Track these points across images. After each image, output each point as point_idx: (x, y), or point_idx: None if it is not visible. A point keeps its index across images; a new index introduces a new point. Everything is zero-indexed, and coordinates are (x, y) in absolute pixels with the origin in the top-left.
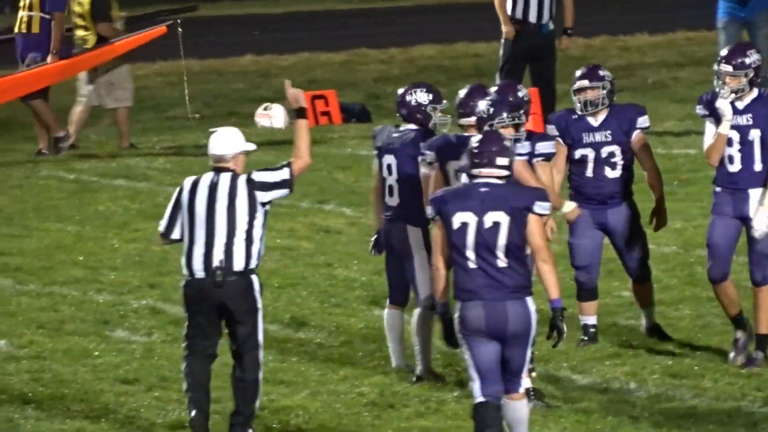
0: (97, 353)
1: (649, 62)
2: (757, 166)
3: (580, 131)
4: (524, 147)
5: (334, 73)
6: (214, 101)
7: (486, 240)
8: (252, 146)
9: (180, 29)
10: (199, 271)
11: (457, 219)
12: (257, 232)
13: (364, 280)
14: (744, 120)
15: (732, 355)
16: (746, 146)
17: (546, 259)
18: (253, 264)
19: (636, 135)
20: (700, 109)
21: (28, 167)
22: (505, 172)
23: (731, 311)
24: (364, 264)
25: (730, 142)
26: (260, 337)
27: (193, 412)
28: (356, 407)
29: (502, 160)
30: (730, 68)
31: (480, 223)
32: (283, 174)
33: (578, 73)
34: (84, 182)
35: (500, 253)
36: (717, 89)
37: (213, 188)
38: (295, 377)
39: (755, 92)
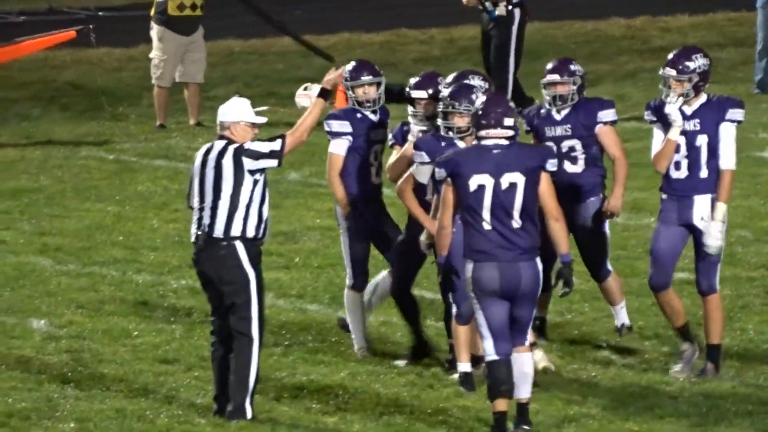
0: (136, 333)
1: (690, 43)
2: (703, 173)
3: (544, 125)
4: None
5: (373, 53)
6: (254, 81)
7: (502, 201)
8: (260, 119)
9: (93, 35)
10: (193, 237)
11: (474, 182)
12: (243, 199)
13: None
14: (691, 126)
15: (677, 367)
16: (693, 152)
17: (558, 218)
18: (235, 231)
19: (599, 128)
20: (647, 115)
21: (69, 148)
22: (511, 132)
23: (676, 322)
24: None
25: (677, 149)
26: (252, 310)
27: (214, 395)
28: (395, 387)
29: (508, 121)
30: (674, 72)
31: (497, 185)
32: (274, 146)
33: (549, 66)
34: (124, 162)
35: (516, 214)
36: (663, 95)
37: (206, 154)
38: (335, 357)
39: (703, 97)
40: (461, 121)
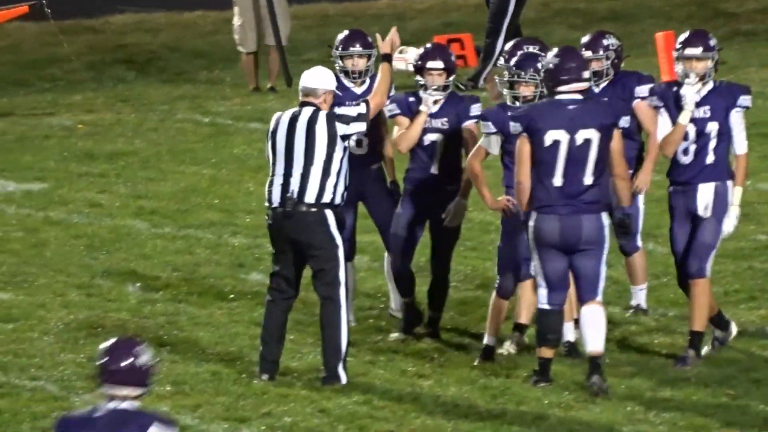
0: (232, 296)
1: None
2: (709, 159)
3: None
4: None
5: (469, 15)
6: None
7: (576, 157)
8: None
9: (48, 10)
10: (276, 202)
11: (549, 137)
12: (335, 166)
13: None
14: (701, 113)
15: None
16: (702, 139)
17: (625, 177)
18: (326, 198)
19: (636, 103)
20: (653, 100)
21: (164, 111)
22: (588, 85)
23: (710, 310)
24: None
25: (685, 136)
26: (340, 275)
27: (262, 363)
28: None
29: (586, 73)
30: (699, 51)
31: (572, 141)
32: (361, 109)
33: (582, 41)
34: (219, 125)
35: (588, 170)
36: (680, 77)
37: (293, 120)
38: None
39: (711, 84)
40: (527, 90)
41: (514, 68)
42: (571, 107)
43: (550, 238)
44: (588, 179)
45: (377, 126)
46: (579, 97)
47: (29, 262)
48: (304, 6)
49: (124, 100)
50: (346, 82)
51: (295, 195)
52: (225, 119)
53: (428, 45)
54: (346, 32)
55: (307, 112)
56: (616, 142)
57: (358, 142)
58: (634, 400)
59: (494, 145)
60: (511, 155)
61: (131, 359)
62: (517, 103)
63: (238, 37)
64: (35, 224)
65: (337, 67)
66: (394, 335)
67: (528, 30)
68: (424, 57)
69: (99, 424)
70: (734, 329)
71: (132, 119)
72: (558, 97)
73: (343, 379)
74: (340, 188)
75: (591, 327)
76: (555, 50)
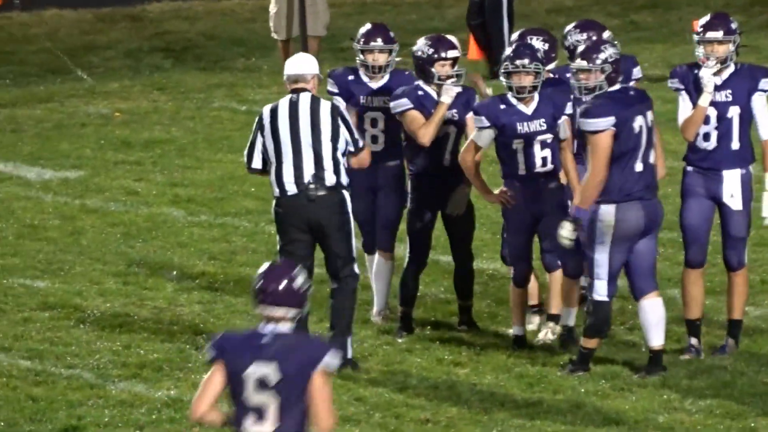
0: None
1: None
2: (735, 145)
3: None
4: None
5: None
6: None
7: (649, 139)
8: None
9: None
10: (291, 187)
11: (637, 123)
12: (341, 149)
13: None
14: (723, 96)
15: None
16: (724, 123)
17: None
18: (344, 180)
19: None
20: (673, 83)
21: (201, 99)
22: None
23: (690, 313)
24: None
25: (706, 120)
26: (354, 251)
27: None
28: (528, 339)
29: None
30: (720, 34)
31: (646, 124)
32: (357, 143)
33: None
34: (256, 113)
35: (652, 152)
36: (700, 59)
37: (294, 107)
38: None
39: (732, 66)
40: (526, 80)
41: (510, 58)
42: (632, 93)
43: (635, 228)
44: (653, 160)
45: (396, 124)
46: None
47: (66, 250)
48: None
49: (161, 88)
50: (363, 76)
51: (313, 180)
52: (261, 107)
53: (432, 35)
54: (368, 26)
55: (306, 98)
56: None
57: (374, 138)
58: (670, 389)
59: (486, 139)
60: (505, 147)
61: (288, 280)
62: (509, 95)
63: (273, 25)
64: (72, 212)
65: (358, 61)
66: (401, 338)
67: (565, 18)
68: (436, 47)
69: (268, 349)
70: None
71: (169, 107)
72: (613, 87)
73: (350, 353)
74: (346, 171)
75: (652, 322)
76: (613, 46)
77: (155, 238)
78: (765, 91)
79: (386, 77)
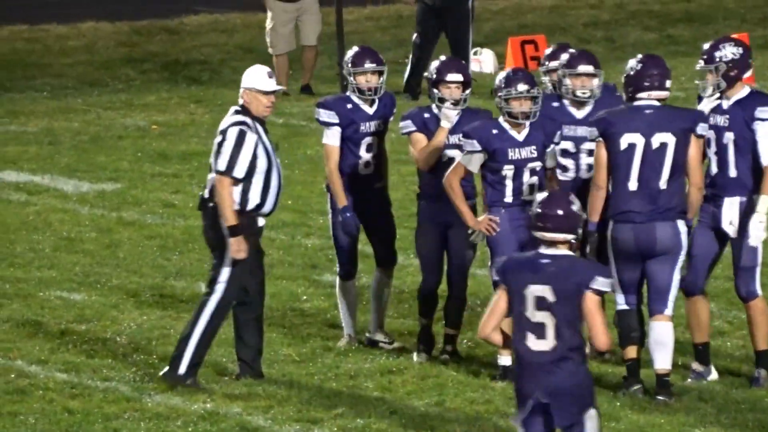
0: (305, 297)
1: None
2: (732, 173)
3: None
4: None
5: (543, 17)
6: None
7: (652, 161)
8: (271, 87)
9: None
10: (270, 209)
11: (625, 140)
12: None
13: None
14: (721, 121)
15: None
16: (721, 149)
17: (700, 186)
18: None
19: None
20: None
21: None
22: (668, 94)
23: (696, 337)
24: None
25: (708, 143)
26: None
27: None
28: None
29: (668, 83)
30: (701, 62)
31: (647, 145)
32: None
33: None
34: (293, 126)
35: (663, 174)
36: (699, 89)
37: (265, 129)
38: None
39: (744, 92)
40: (524, 106)
41: (507, 84)
42: (647, 111)
43: (626, 248)
44: (663, 184)
45: (383, 148)
46: (657, 103)
47: (102, 263)
48: (379, 7)
49: (198, 100)
50: (357, 101)
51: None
52: (298, 120)
53: (443, 57)
54: (356, 48)
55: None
56: (694, 149)
57: (367, 164)
58: (706, 402)
59: (475, 162)
60: (495, 173)
61: (566, 207)
62: (500, 119)
63: (269, 39)
64: (109, 225)
65: (350, 86)
66: (418, 358)
67: (602, 32)
68: (442, 70)
69: (544, 271)
70: (714, 373)
71: (206, 120)
72: (636, 103)
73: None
74: None
75: (660, 345)
76: (639, 56)
77: (192, 250)
78: (760, 119)
79: (377, 102)
